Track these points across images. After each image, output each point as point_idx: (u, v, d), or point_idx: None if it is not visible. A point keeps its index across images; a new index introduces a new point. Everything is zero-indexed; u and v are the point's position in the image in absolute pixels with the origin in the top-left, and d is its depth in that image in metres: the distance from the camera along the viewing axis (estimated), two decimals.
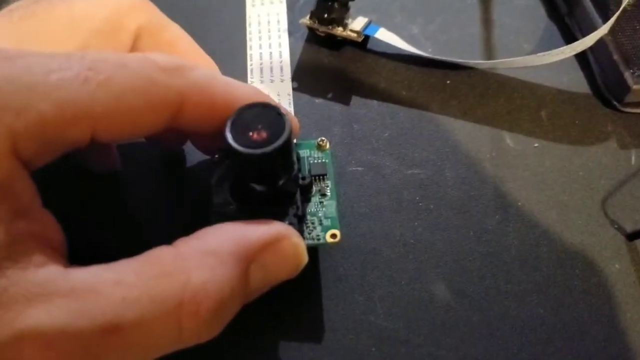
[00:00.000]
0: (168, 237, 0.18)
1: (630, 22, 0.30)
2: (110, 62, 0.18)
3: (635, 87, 0.28)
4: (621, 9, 0.29)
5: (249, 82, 0.29)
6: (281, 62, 0.30)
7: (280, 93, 0.28)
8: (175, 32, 0.23)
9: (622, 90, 0.29)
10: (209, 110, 0.20)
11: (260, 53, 0.30)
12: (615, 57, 0.29)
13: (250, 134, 0.19)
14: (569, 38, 0.32)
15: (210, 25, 0.32)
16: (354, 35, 0.29)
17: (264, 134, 0.19)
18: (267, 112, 0.19)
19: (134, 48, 0.22)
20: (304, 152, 0.23)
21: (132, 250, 0.17)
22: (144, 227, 0.25)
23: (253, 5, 0.32)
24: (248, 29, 0.31)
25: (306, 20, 0.30)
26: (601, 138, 0.28)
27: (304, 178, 0.21)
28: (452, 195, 0.26)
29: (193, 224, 0.19)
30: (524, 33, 0.32)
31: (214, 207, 0.20)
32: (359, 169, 0.27)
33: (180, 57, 0.20)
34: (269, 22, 0.31)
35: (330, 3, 0.29)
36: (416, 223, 0.25)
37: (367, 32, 0.29)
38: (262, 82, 0.29)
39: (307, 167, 0.23)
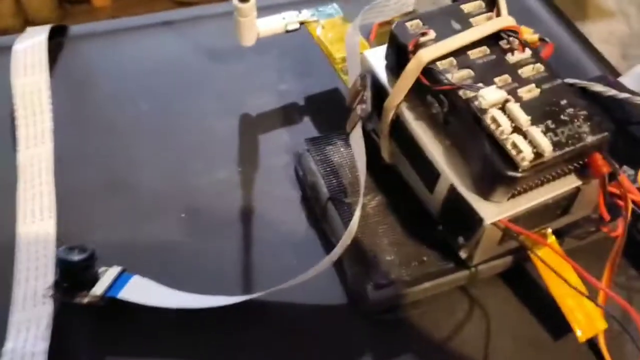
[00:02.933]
0: None
1: (370, 226, 0.31)
2: None
3: (373, 298, 0.29)
4: (357, 214, 0.30)
5: None
6: None
7: None
8: None
9: (366, 302, 0.30)
10: None
11: None
12: (356, 268, 0.30)
13: None
14: (327, 245, 0.33)
15: None
16: (95, 301, 0.29)
17: None
18: None
19: None
20: None
21: None
22: None
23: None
24: None
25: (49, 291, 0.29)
26: (358, 348, 0.29)
27: None
28: None
29: None
30: (287, 248, 0.33)
31: None
32: None
33: None
34: None
35: (72, 268, 0.29)
36: None
37: (113, 291, 0.29)
38: None
39: None
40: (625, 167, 0.34)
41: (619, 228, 0.30)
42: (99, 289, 0.29)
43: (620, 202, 0.29)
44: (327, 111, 0.39)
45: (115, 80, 0.40)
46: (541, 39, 0.40)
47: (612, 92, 0.36)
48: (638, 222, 0.33)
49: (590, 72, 0.42)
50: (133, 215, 0.34)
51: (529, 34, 0.40)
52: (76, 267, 0.29)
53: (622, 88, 0.35)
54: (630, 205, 0.29)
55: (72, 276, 0.29)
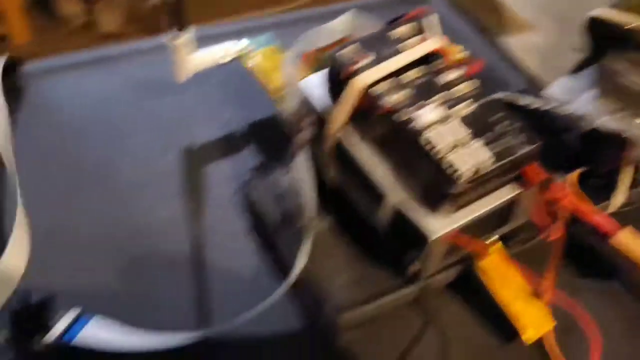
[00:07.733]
0: None
1: (320, 250, 0.32)
2: None
3: (330, 322, 0.29)
4: (307, 240, 0.30)
5: None
6: None
7: None
8: None
9: (322, 326, 0.30)
10: None
11: None
12: (310, 294, 0.30)
13: None
14: (279, 273, 0.33)
15: None
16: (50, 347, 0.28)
17: None
18: None
19: None
20: None
21: None
22: None
23: None
24: None
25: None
26: None
27: None
28: None
29: None
30: (239, 281, 0.33)
31: None
32: None
33: None
34: None
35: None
36: None
37: (70, 334, 0.28)
38: None
39: None
40: (555, 174, 0.36)
41: (558, 231, 0.31)
42: (55, 332, 0.28)
43: (557, 207, 0.31)
44: (270, 139, 0.39)
45: (47, 120, 0.39)
46: (470, 57, 0.42)
47: (538, 103, 0.38)
48: (573, 225, 0.35)
49: (515, 86, 0.44)
50: (75, 261, 0.33)
51: (458, 53, 0.42)
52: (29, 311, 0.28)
53: (547, 99, 0.37)
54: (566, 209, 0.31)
55: (26, 321, 0.28)
